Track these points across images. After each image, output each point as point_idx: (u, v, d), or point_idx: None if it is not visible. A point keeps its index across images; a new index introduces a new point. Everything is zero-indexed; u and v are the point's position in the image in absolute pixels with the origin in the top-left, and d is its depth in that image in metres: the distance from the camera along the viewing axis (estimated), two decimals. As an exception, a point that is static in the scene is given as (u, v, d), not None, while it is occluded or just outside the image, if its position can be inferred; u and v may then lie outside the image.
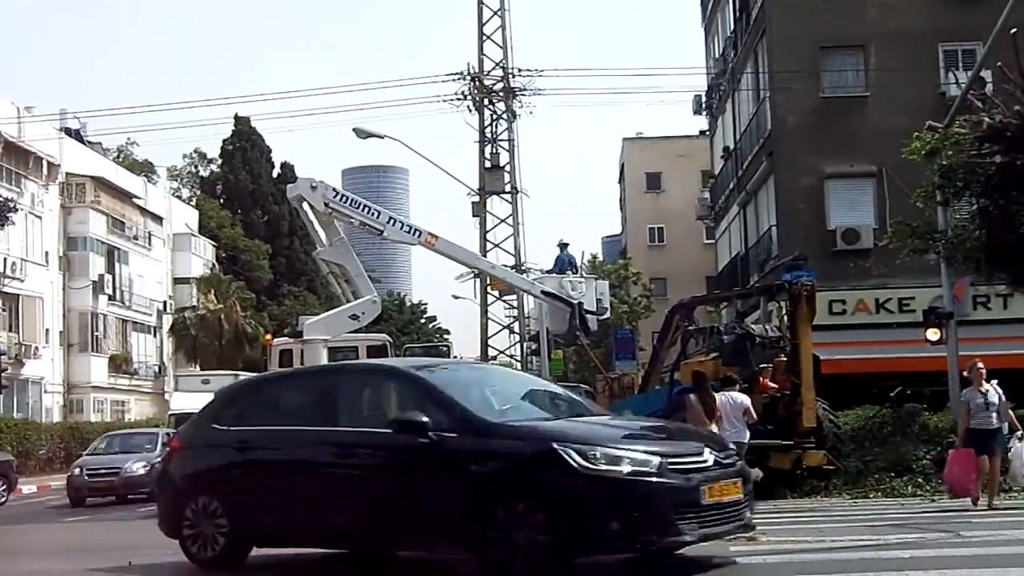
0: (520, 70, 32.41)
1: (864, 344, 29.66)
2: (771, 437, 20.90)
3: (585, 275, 29.42)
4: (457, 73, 32.20)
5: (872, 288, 31.20)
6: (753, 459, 20.96)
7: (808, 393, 20.73)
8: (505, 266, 30.58)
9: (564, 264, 29.73)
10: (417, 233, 26.74)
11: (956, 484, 17.39)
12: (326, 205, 25.67)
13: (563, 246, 30.37)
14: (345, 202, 26.16)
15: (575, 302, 27.68)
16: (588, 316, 28.15)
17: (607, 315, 33.12)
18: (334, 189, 26.34)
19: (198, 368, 57.78)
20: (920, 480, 19.95)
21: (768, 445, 20.85)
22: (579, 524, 9.43)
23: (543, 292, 28.02)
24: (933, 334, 22.87)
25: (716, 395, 18.74)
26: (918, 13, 31.96)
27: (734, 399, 19.24)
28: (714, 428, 18.35)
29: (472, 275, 32.94)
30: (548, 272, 29.88)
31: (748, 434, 18.86)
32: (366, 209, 26.56)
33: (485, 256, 31.66)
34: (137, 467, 28.15)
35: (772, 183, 33.86)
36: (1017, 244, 19.55)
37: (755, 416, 19.25)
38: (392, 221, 26.88)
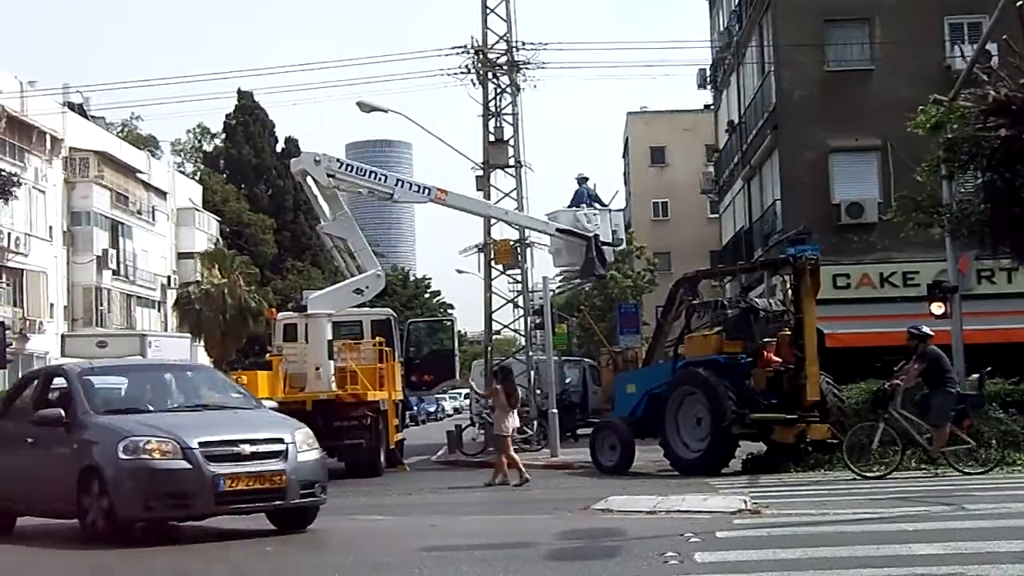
0: (524, 43, 32.18)
1: (868, 318, 29.65)
2: (775, 411, 20.97)
3: (599, 207, 29.01)
4: (461, 46, 32.03)
5: (876, 262, 31.17)
6: (757, 432, 21.26)
7: (812, 367, 20.78)
8: (517, 211, 30.61)
9: (583, 197, 29.38)
10: (427, 191, 26.57)
11: None
12: (333, 176, 25.50)
13: (582, 180, 30.10)
14: (350, 171, 26.07)
15: (590, 235, 27.55)
16: (604, 248, 28.06)
17: (623, 245, 33.12)
18: (338, 159, 26.24)
19: (202, 343, 57.50)
20: (924, 454, 19.91)
21: (772, 419, 20.93)
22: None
23: (558, 230, 27.89)
24: (937, 308, 22.83)
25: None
26: (923, -15, 31.79)
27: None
28: (515, 416, 20.64)
29: (476, 249, 32.92)
30: (568, 206, 29.54)
31: None
32: (372, 175, 26.48)
33: (489, 232, 31.66)
34: None
35: (776, 157, 33.78)
36: (1021, 217, 19.50)
37: None
38: (400, 183, 26.81)
